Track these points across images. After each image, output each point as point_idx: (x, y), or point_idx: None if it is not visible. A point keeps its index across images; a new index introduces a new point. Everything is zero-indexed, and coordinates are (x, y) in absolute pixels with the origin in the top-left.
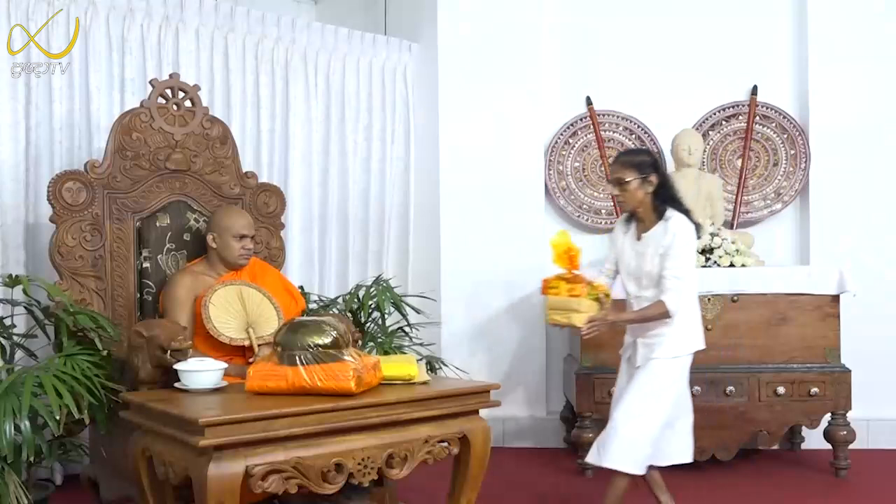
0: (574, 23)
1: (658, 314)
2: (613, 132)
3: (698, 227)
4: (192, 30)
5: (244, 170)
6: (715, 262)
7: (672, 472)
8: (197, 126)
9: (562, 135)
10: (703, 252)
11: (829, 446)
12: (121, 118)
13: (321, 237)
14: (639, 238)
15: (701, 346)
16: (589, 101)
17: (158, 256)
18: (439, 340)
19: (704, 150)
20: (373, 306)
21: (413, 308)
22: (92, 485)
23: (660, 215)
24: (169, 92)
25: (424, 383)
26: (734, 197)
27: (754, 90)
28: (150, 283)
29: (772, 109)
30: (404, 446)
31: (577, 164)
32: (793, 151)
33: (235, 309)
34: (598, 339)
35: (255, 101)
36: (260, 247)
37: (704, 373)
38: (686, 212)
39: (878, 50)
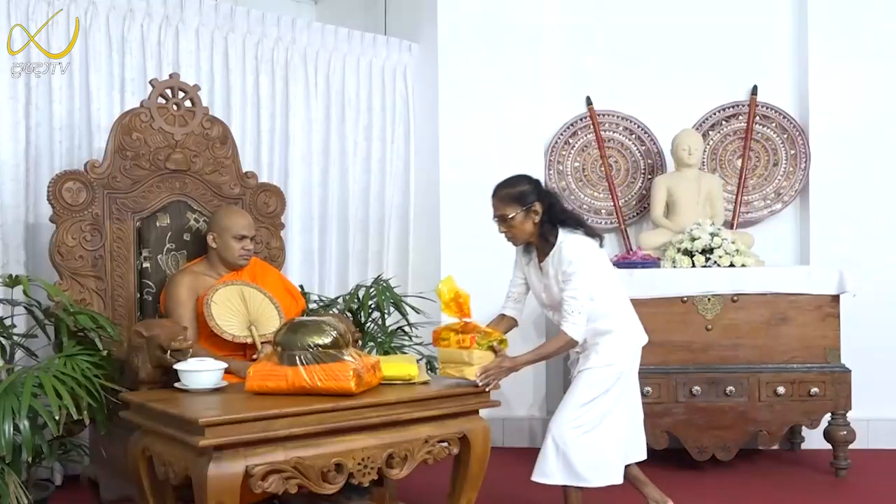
0: (574, 23)
1: (561, 346)
2: (613, 132)
3: (598, 236)
4: (192, 30)
5: (244, 170)
6: (715, 262)
7: (672, 472)
8: (197, 126)
9: (562, 135)
10: (703, 252)
11: (829, 446)
12: (121, 118)
13: (321, 237)
14: (540, 267)
15: (642, 341)
16: (589, 101)
17: (158, 256)
18: None
19: (704, 150)
20: (373, 306)
21: (413, 308)
22: (92, 485)
23: (553, 241)
24: (169, 92)
25: (424, 383)
26: (734, 197)
27: (754, 90)
28: (150, 283)
29: (772, 109)
30: (404, 446)
31: (577, 164)
32: (793, 151)
33: (237, 308)
34: None
35: (255, 101)
36: (260, 247)
37: (704, 373)
38: (579, 224)
39: (878, 50)
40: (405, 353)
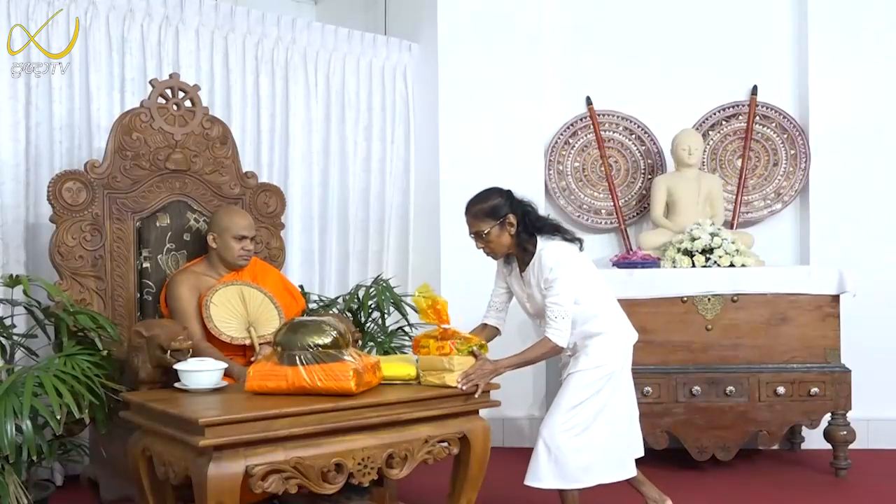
0: (574, 23)
1: (545, 352)
2: (613, 132)
3: (577, 240)
4: (192, 30)
5: (244, 170)
6: (715, 262)
7: (672, 472)
8: (197, 126)
9: (562, 135)
10: (703, 252)
11: (829, 446)
12: (121, 118)
13: (321, 237)
14: (522, 277)
15: (632, 340)
16: (589, 101)
17: (158, 256)
18: None
19: (704, 150)
20: (373, 306)
21: (413, 308)
22: (92, 485)
23: (532, 250)
24: (169, 92)
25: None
26: (734, 197)
27: (754, 90)
28: (150, 283)
29: (772, 109)
30: (404, 446)
31: (577, 164)
32: (793, 151)
33: (236, 308)
34: None
35: (255, 101)
36: (260, 247)
37: (704, 373)
38: (556, 230)
39: (878, 50)
40: (405, 353)
